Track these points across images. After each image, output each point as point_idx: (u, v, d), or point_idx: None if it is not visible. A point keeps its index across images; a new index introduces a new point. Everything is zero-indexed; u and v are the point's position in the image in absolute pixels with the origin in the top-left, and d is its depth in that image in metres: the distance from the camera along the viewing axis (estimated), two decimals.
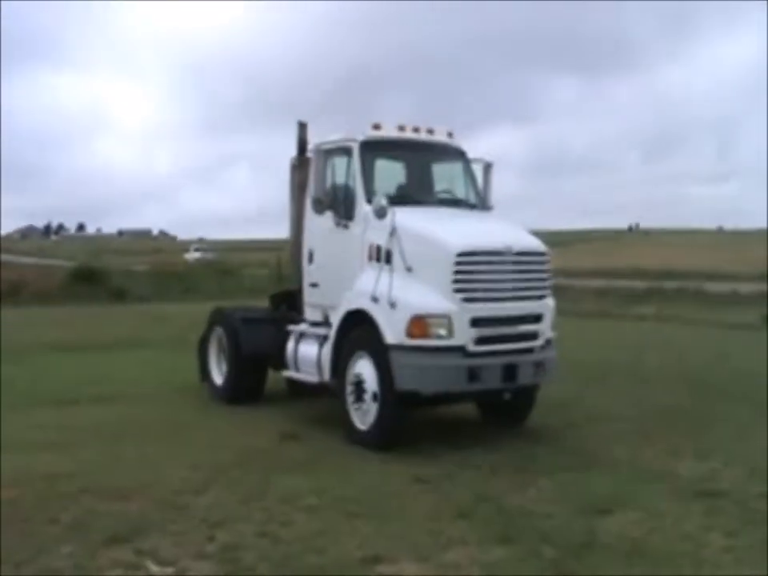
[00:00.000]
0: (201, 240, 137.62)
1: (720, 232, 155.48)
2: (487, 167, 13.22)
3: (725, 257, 67.74)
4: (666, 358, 19.13)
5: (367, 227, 11.38)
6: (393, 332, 10.47)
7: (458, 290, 10.44)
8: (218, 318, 14.61)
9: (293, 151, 13.60)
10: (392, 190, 12.11)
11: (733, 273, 51.54)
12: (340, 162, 12.16)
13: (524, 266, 10.97)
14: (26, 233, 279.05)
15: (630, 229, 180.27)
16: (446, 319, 10.38)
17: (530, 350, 11.13)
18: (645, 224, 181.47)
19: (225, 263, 60.71)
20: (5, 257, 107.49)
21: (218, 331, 14.43)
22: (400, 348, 10.42)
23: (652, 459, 10.33)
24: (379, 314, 10.67)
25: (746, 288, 37.64)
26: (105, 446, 10.64)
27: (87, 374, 16.46)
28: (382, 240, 11.05)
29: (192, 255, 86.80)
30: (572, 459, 10.25)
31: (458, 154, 13.01)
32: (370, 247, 11.29)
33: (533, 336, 11.17)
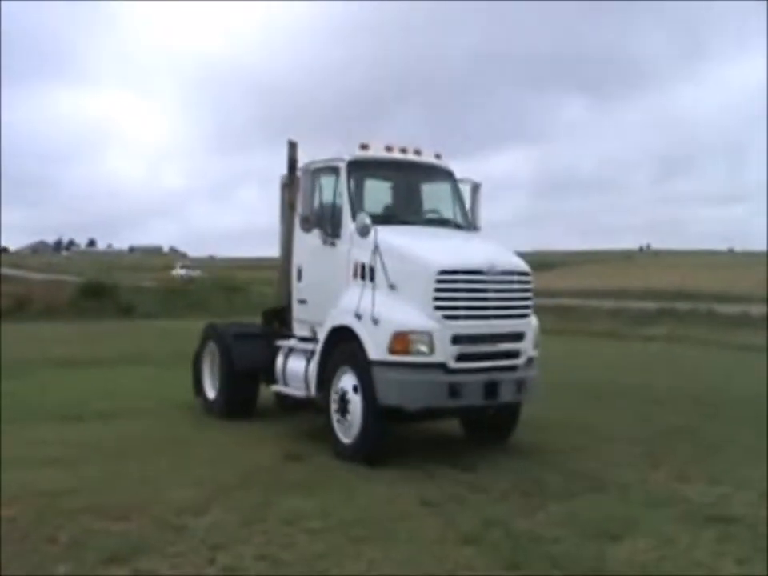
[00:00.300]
0: (185, 257, 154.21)
1: (731, 253, 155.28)
2: (475, 188, 13.37)
3: (735, 278, 67.48)
4: (676, 379, 18.97)
5: (353, 245, 11.58)
6: (375, 348, 10.65)
7: (438, 308, 10.62)
8: (211, 333, 14.82)
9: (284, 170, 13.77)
10: (379, 208, 12.42)
11: (743, 294, 51.36)
12: (328, 181, 12.37)
13: (506, 285, 11.14)
14: (37, 248, 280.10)
15: (641, 249, 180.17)
16: (427, 336, 10.54)
17: (512, 368, 11.26)
18: (655, 245, 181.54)
19: (232, 280, 60.60)
20: (14, 272, 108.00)
21: (211, 346, 14.68)
22: (382, 364, 10.60)
23: (662, 483, 10.13)
24: (363, 331, 10.86)
25: (756, 310, 37.40)
26: (107, 463, 10.50)
27: (91, 390, 16.37)
28: (366, 258, 11.25)
29: (177, 272, 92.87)
30: (581, 482, 10.04)
31: (446, 175, 13.23)
32: (355, 265, 11.51)
33: (515, 354, 11.31)
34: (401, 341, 10.52)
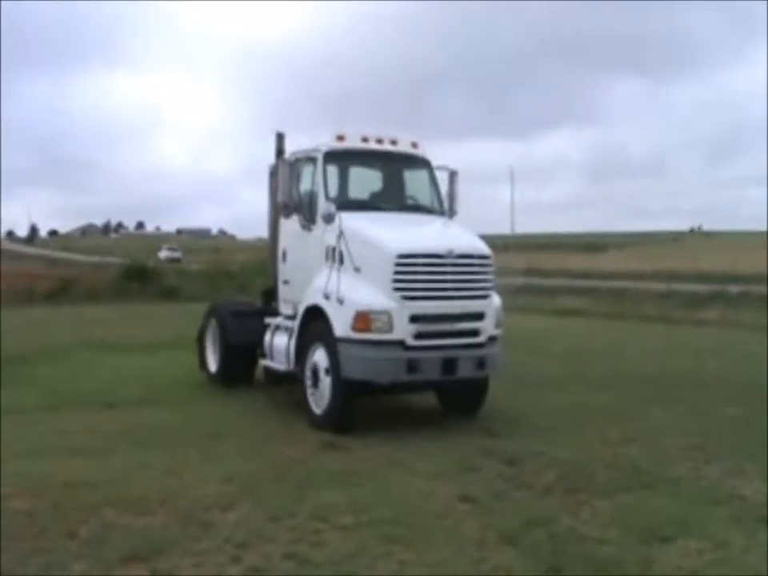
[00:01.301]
0: (173, 240, 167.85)
1: None
2: (452, 175, 14.32)
3: None
4: (730, 366, 18.33)
5: (325, 231, 12.59)
6: (341, 326, 11.69)
7: (397, 289, 11.54)
8: (212, 311, 16.35)
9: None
10: (353, 196, 13.65)
11: None
12: (307, 171, 13.56)
13: (465, 268, 11.97)
14: (86, 230, 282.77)
15: (692, 231, 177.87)
16: (386, 315, 11.49)
17: (471, 346, 12.04)
18: (706, 227, 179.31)
19: (221, 264, 59.88)
20: (60, 254, 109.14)
21: (213, 323, 16.08)
22: (346, 340, 11.62)
23: (716, 479, 9.59)
24: (330, 310, 11.93)
25: None
26: (134, 454, 10.23)
27: (127, 376, 16.17)
28: (335, 242, 12.30)
29: (163, 254, 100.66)
30: (629, 478, 9.55)
31: (422, 163, 14.23)
32: (327, 248, 12.57)
33: (473, 333, 12.10)
34: (362, 319, 11.51)
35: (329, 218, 12.24)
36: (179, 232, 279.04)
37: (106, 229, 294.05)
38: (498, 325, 12.56)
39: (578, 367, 17.98)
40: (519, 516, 8.12)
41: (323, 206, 12.58)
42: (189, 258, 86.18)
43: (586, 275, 56.41)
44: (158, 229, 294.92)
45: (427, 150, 14.31)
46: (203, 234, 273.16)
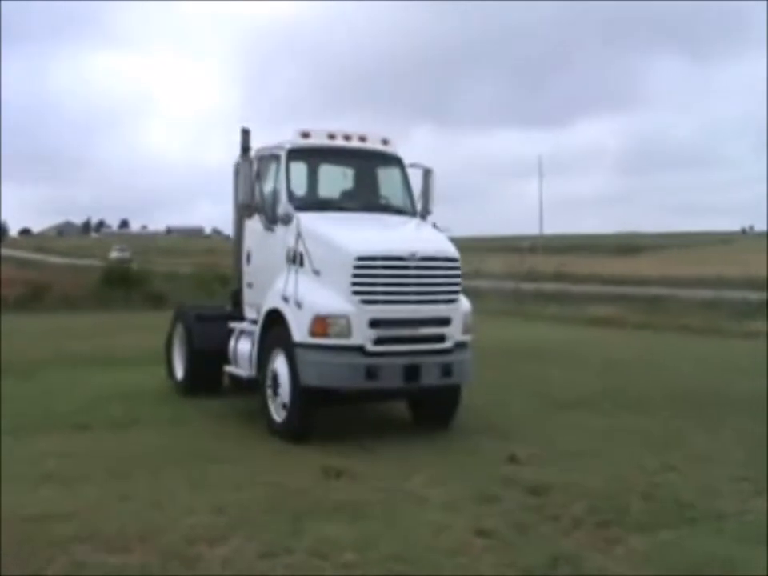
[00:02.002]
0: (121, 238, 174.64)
1: None
2: (426, 173, 15.00)
3: None
4: None
5: (287, 232, 13.36)
6: (299, 330, 12.42)
7: (357, 293, 12.25)
8: (179, 315, 17.17)
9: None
10: (317, 195, 14.59)
11: None
12: (269, 169, 14.32)
13: (429, 271, 12.67)
14: (63, 229, 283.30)
15: (744, 231, 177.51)
16: (344, 319, 12.20)
17: (436, 352, 12.71)
18: (759, 227, 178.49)
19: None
20: (33, 256, 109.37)
21: (179, 328, 16.91)
22: (304, 346, 12.35)
23: (764, 514, 9.53)
24: (289, 313, 12.67)
25: None
26: (113, 481, 10.22)
27: (106, 394, 16.10)
28: (300, 244, 12.96)
29: (113, 254, 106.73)
30: (668, 511, 9.51)
31: (393, 161, 14.98)
32: (288, 250, 13.27)
33: (438, 339, 12.80)
34: (320, 324, 12.23)
35: (286, 219, 13.28)
36: (169, 231, 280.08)
37: (86, 227, 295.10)
38: (466, 330, 13.28)
39: (612, 384, 17.94)
40: (543, 553, 8.10)
41: (281, 206, 13.49)
42: (179, 260, 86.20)
43: (620, 281, 56.27)
44: (144, 228, 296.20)
45: (399, 147, 15.02)
46: (195, 233, 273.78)
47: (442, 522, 9.02)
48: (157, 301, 37.73)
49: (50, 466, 10.87)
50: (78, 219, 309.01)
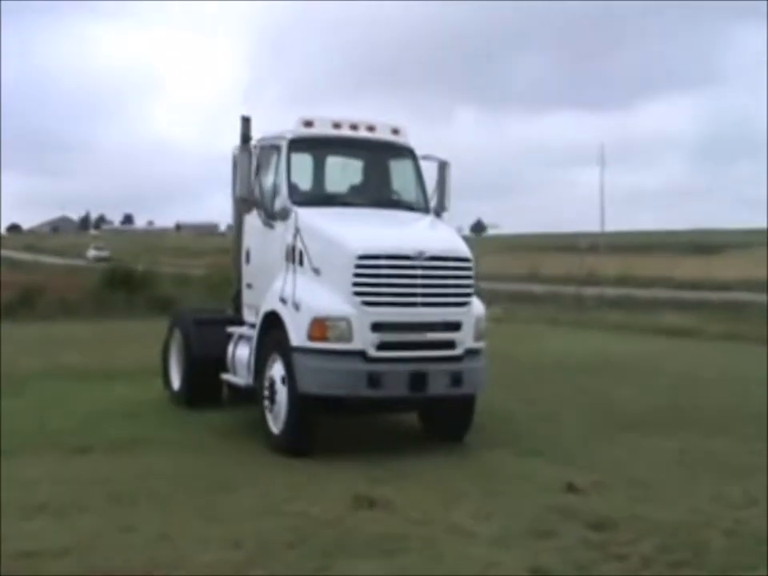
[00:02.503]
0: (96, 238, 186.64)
1: None
2: (442, 166, 15.54)
3: None
4: None
5: (286, 228, 13.85)
6: (297, 334, 12.88)
7: (358, 293, 12.69)
8: (176, 320, 17.83)
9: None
10: (320, 189, 15.21)
11: None
12: (269, 160, 14.79)
13: (438, 272, 13.11)
14: (58, 226, 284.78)
15: None
16: (345, 322, 12.66)
17: (445, 359, 13.15)
18: None
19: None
20: (23, 256, 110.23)
21: (176, 334, 17.47)
22: (302, 350, 12.80)
23: None
24: (287, 316, 13.14)
25: None
26: (114, 511, 10.25)
27: (105, 411, 16.22)
28: (298, 241, 13.47)
29: (91, 253, 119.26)
30: (752, 551, 9.36)
31: (404, 152, 15.44)
32: (287, 248, 13.74)
33: (448, 344, 13.24)
34: (318, 327, 12.69)
35: (283, 214, 13.90)
36: (178, 227, 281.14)
37: (84, 223, 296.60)
38: (479, 336, 13.70)
39: (687, 403, 17.84)
40: None
41: (278, 200, 14.14)
42: (190, 260, 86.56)
43: (695, 284, 56.00)
44: (150, 224, 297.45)
45: (410, 137, 15.47)
46: (209, 229, 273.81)
47: (490, 559, 9.00)
48: (164, 306, 37.61)
49: (42, 493, 10.90)
50: (74, 214, 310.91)
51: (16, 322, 32.46)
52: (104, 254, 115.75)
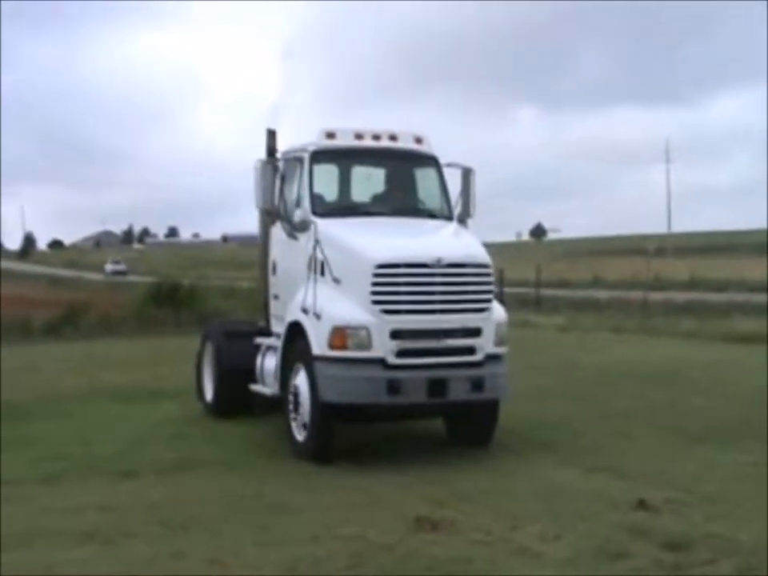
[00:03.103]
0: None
1: None
2: (466, 173, 16.19)
3: None
4: None
5: (308, 239, 14.61)
6: (318, 343, 13.65)
7: (377, 302, 13.42)
8: (208, 333, 18.84)
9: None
10: (343, 200, 15.99)
11: None
12: (293, 172, 15.57)
13: (456, 278, 13.79)
14: (101, 240, 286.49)
15: None
16: (364, 331, 13.39)
17: (465, 365, 13.80)
18: None
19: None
20: (66, 273, 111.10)
21: (208, 347, 18.41)
22: (323, 359, 13.58)
23: None
24: (309, 326, 13.93)
25: None
26: (164, 537, 10.27)
27: (151, 433, 16.33)
28: (318, 252, 14.25)
29: (108, 267, 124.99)
30: None
31: (427, 160, 16.15)
32: (310, 258, 14.45)
33: (468, 350, 13.90)
34: (339, 336, 13.42)
35: (303, 225, 14.79)
36: (225, 239, 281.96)
37: (128, 237, 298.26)
38: (500, 342, 14.35)
39: (762, 414, 17.59)
40: None
41: (298, 211, 15.07)
42: (238, 273, 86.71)
43: None
44: (196, 236, 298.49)
45: (433, 145, 16.18)
46: (255, 241, 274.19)
47: None
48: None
49: (90, 520, 10.94)
50: (117, 228, 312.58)
51: (58, 341, 32.72)
52: (120, 267, 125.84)
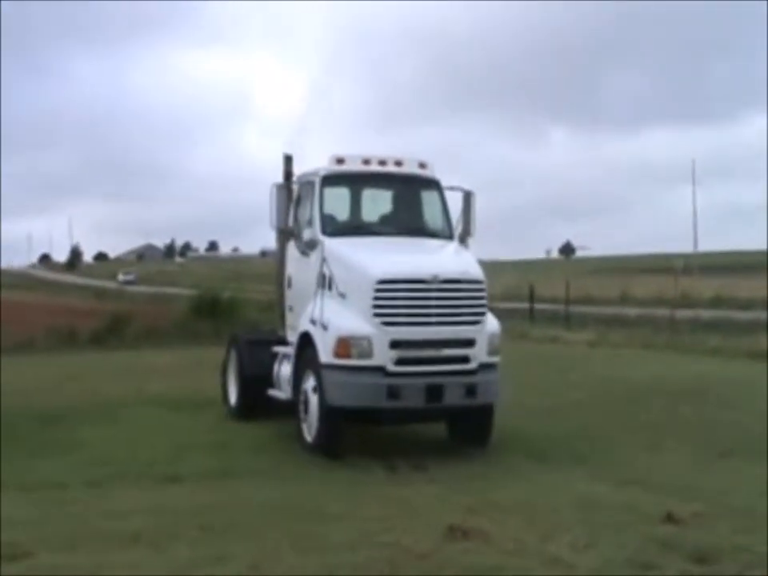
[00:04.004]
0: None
1: None
2: (467, 196, 17.33)
3: None
4: None
5: (317, 256, 15.63)
6: (325, 352, 14.63)
7: (377, 315, 14.37)
8: (232, 340, 19.77)
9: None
10: (351, 221, 17.06)
11: None
12: (306, 195, 16.73)
13: (452, 293, 14.72)
14: (144, 254, 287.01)
15: None
16: (366, 341, 14.33)
17: (462, 373, 14.71)
18: None
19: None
20: (111, 284, 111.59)
21: (232, 354, 19.30)
22: (329, 366, 14.57)
23: None
24: (317, 336, 14.92)
25: None
26: (207, 541, 10.30)
27: (196, 440, 16.40)
28: (324, 268, 15.35)
29: (120, 277, 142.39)
30: None
31: (430, 184, 17.18)
32: (318, 274, 15.52)
33: (462, 359, 14.80)
34: (343, 345, 14.40)
35: (311, 244, 15.90)
36: (263, 254, 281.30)
37: (170, 251, 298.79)
38: (492, 352, 15.21)
39: None
40: None
41: (306, 231, 16.23)
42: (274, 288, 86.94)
43: None
44: (235, 250, 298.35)
45: (436, 170, 17.21)
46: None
47: None
48: None
49: (137, 523, 10.98)
50: (160, 241, 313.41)
51: (103, 351, 32.89)
52: (130, 277, 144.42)
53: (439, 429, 16.58)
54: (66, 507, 11.76)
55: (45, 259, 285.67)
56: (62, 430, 17.11)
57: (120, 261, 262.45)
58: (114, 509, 11.68)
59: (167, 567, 9.34)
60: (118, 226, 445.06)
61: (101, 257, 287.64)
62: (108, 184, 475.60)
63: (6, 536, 10.27)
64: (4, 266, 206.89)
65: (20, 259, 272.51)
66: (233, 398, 19.11)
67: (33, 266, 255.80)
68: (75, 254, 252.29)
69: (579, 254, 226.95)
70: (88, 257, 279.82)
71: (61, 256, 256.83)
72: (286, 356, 16.87)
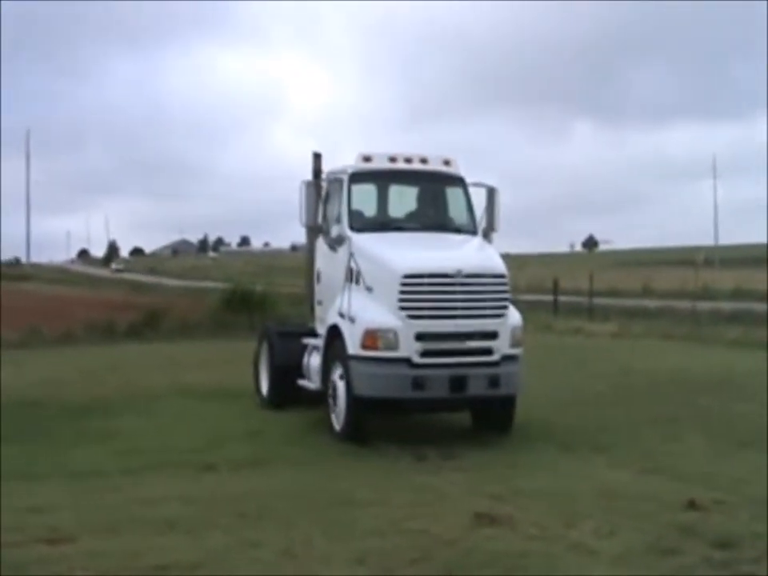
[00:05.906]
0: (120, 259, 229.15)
1: None
2: (491, 192, 17.38)
3: None
4: None
5: (345, 251, 15.83)
6: (352, 344, 14.87)
7: (403, 308, 14.56)
8: (264, 332, 20.05)
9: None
10: (378, 217, 17.25)
11: None
12: (334, 192, 16.94)
13: (475, 287, 14.91)
14: (178, 248, 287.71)
15: None
16: (392, 333, 14.52)
17: (485, 364, 14.84)
18: None
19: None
20: (146, 278, 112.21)
21: (264, 345, 19.51)
22: (357, 358, 14.78)
23: None
24: (344, 328, 15.14)
25: None
26: (240, 528, 10.32)
27: (229, 430, 16.43)
28: (352, 263, 15.53)
29: (113, 266, 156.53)
30: None
31: (454, 180, 17.33)
32: (346, 268, 15.71)
33: (486, 351, 14.95)
34: (370, 337, 14.61)
35: (339, 240, 16.17)
36: (294, 248, 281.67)
37: (203, 246, 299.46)
38: (515, 344, 15.36)
39: None
40: None
41: (334, 227, 16.51)
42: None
43: None
44: (266, 245, 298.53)
45: (461, 167, 17.43)
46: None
47: None
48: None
49: (172, 510, 11.05)
50: (193, 237, 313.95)
51: (139, 342, 33.02)
52: (120, 266, 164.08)
53: (466, 418, 16.62)
54: (105, 495, 11.84)
55: (83, 254, 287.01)
56: (99, 419, 17.18)
57: (155, 256, 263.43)
58: (151, 496, 11.74)
59: (202, 553, 9.39)
60: (154, 222, 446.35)
61: (137, 252, 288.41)
62: (144, 182, 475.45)
63: (50, 521, 10.43)
64: (45, 260, 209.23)
65: (60, 255, 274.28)
66: (264, 388, 19.30)
67: (72, 262, 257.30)
68: (112, 249, 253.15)
69: (602, 247, 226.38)
70: (125, 252, 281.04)
71: (99, 252, 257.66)
72: (315, 347, 17.04)
